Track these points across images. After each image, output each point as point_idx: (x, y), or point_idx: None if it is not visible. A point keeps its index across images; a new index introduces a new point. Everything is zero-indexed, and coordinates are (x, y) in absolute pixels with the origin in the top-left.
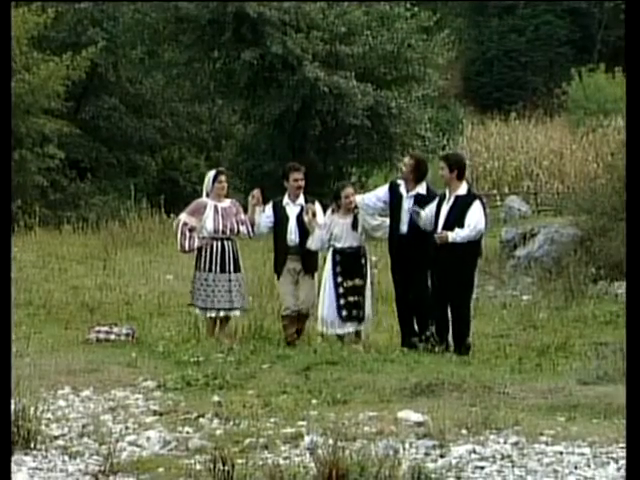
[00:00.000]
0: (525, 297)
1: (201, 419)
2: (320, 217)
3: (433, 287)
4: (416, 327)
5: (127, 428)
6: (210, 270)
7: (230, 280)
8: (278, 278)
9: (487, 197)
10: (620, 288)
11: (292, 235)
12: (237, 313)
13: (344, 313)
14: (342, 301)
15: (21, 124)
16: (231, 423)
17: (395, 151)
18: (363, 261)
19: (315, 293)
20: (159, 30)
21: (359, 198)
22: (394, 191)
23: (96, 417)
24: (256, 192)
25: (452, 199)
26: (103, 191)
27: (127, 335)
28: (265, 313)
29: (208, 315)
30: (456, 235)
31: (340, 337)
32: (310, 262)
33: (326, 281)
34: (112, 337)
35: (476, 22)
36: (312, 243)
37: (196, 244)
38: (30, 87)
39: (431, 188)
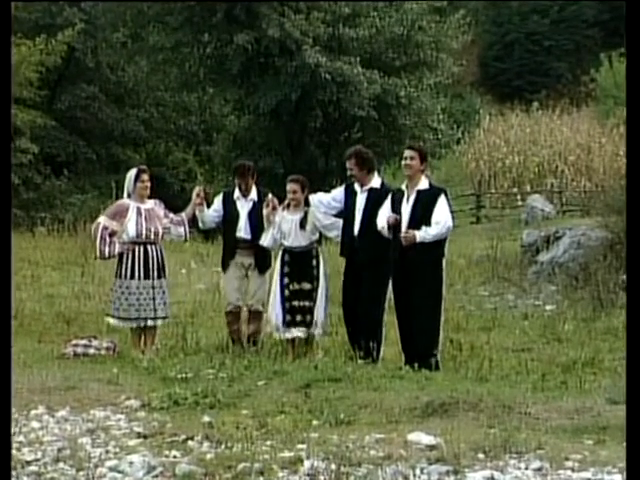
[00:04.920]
0: (549, 307)
1: (190, 442)
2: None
3: (396, 296)
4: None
5: (108, 452)
6: (133, 277)
7: (154, 287)
8: (224, 272)
9: (507, 196)
10: None
11: (241, 232)
12: (159, 322)
13: (287, 318)
14: (287, 305)
15: None
16: (223, 446)
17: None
18: (314, 263)
19: (266, 290)
20: (143, 11)
21: (314, 196)
22: (349, 190)
23: (73, 440)
24: (200, 191)
25: (414, 195)
26: (81, 189)
27: (107, 349)
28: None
29: (128, 326)
30: (425, 234)
31: (291, 342)
32: (262, 259)
33: (275, 281)
34: (91, 351)
35: (494, 2)
36: (265, 240)
37: (117, 250)
38: None
39: (385, 182)
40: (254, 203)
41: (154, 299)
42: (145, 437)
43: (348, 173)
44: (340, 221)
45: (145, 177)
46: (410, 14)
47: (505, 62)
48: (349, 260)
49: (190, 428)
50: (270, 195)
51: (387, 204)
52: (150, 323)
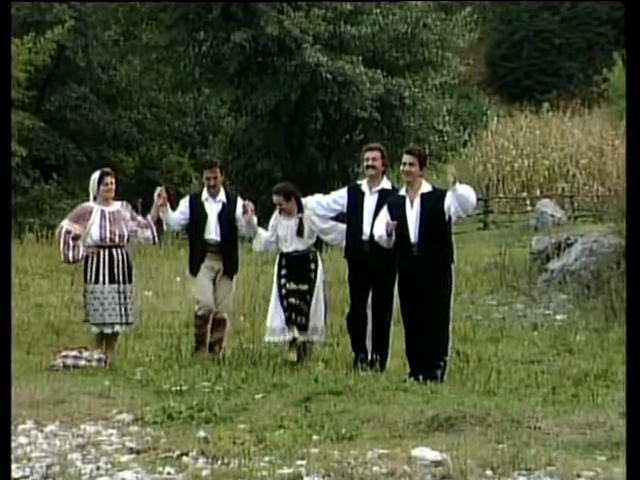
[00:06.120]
0: (559, 317)
1: (184, 458)
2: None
3: (404, 305)
4: (369, 346)
5: (99, 469)
6: (97, 282)
7: (119, 292)
8: (194, 276)
9: (516, 201)
10: None
11: (212, 235)
12: (123, 328)
13: (286, 315)
14: (285, 303)
15: None
16: (219, 462)
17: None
18: (312, 266)
19: (232, 297)
20: (136, 8)
21: (311, 198)
22: (353, 191)
23: (63, 456)
24: (162, 191)
25: (418, 199)
26: (71, 194)
27: (99, 361)
28: (259, 334)
29: (99, 331)
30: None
31: (292, 344)
32: (231, 262)
33: (274, 286)
34: (82, 363)
35: None
36: (257, 245)
37: (81, 253)
38: None
39: (395, 185)
40: (223, 204)
41: (120, 304)
42: (138, 453)
43: (369, 163)
44: (339, 225)
45: (109, 180)
46: (414, 11)
47: (514, 61)
48: (354, 264)
49: (185, 443)
50: (240, 200)
51: (384, 212)
52: (117, 329)
